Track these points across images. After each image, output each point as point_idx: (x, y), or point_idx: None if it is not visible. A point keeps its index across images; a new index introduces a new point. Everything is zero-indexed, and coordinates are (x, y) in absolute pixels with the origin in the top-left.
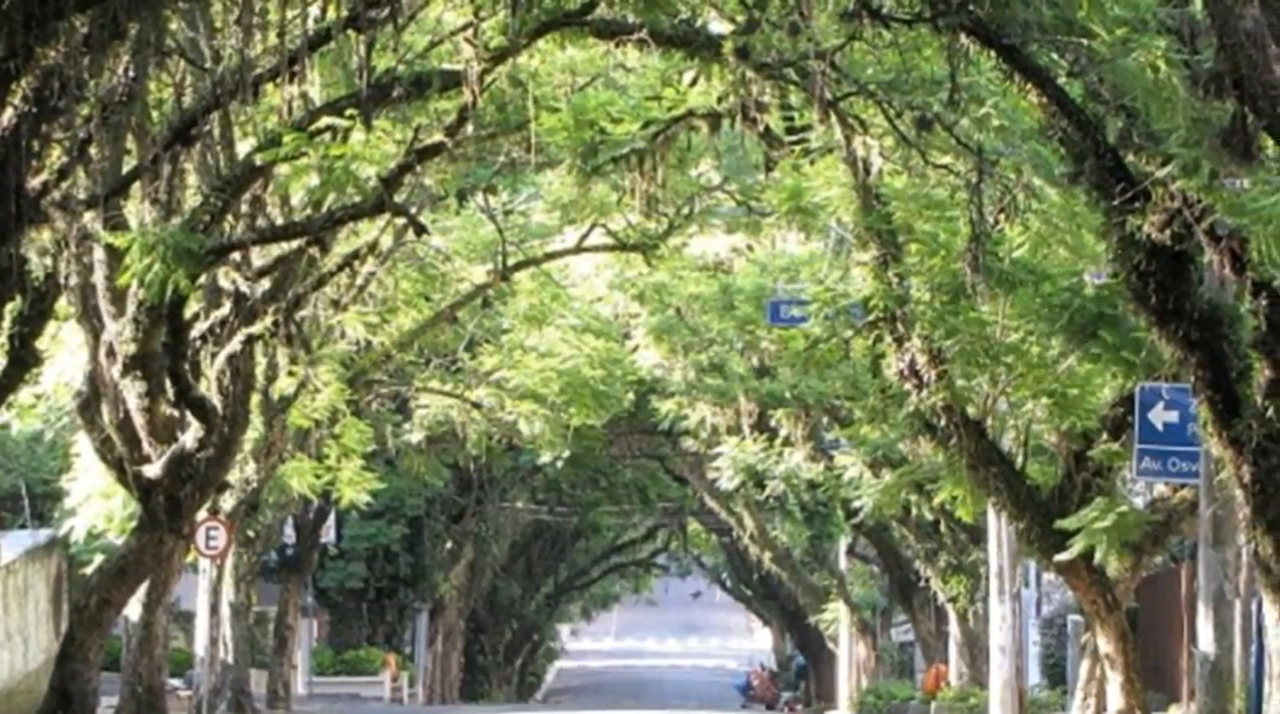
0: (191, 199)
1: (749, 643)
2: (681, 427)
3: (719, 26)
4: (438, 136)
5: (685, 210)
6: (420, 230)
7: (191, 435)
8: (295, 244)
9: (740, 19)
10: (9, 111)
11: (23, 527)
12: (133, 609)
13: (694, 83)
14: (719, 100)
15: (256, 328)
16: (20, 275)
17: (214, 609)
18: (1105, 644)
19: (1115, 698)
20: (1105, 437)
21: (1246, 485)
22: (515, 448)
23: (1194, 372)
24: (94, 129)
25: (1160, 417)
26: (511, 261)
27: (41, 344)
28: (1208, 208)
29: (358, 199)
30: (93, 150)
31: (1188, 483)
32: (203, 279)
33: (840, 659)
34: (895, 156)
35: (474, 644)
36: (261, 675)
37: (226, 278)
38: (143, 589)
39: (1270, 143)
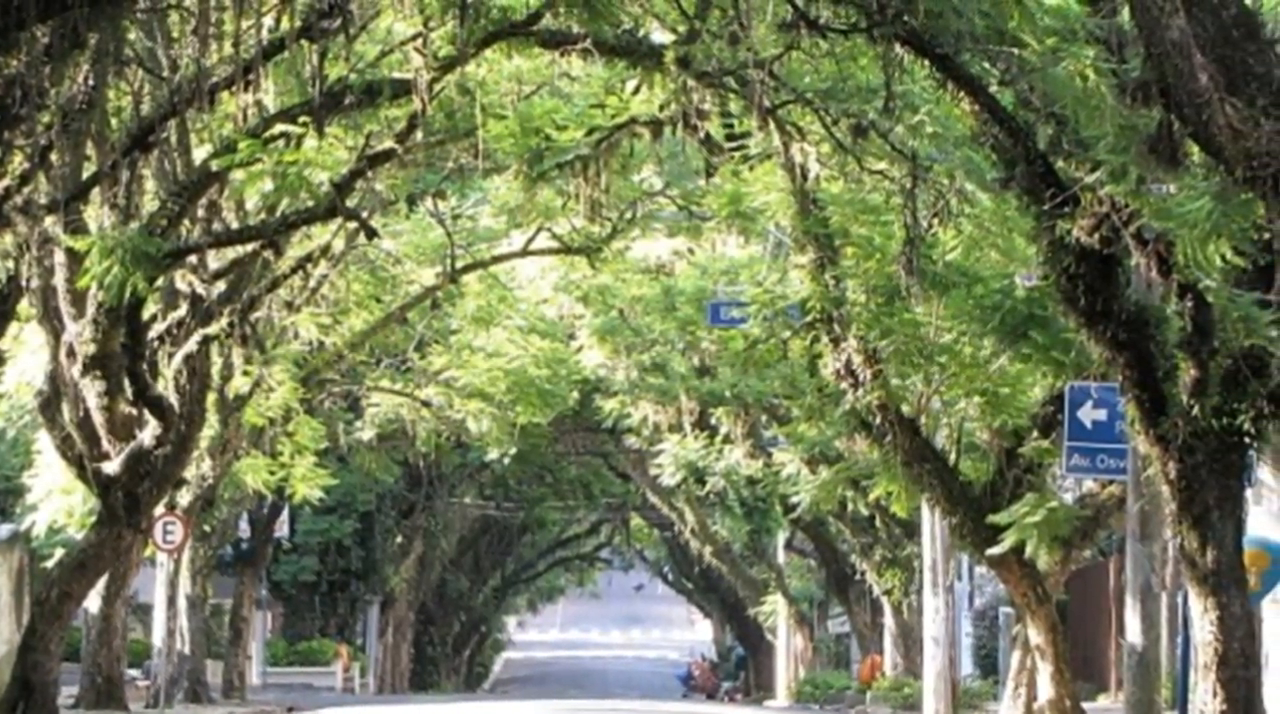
0: (149, 204)
1: (690, 634)
2: (624, 424)
3: (661, 36)
4: (388, 143)
5: (628, 215)
6: (371, 234)
7: (149, 433)
8: (250, 247)
9: (681, 29)
10: None
11: None
12: (92, 602)
13: (636, 91)
14: (661, 108)
15: (212, 329)
16: None
17: (171, 602)
18: (1036, 635)
19: (1046, 688)
20: (1036, 434)
21: (1172, 481)
22: (463, 445)
23: (1122, 371)
24: (55, 136)
25: (1089, 415)
26: (460, 264)
27: (3, 345)
28: (1135, 212)
29: (311, 204)
30: (53, 156)
31: (1116, 479)
32: (160, 281)
33: (779, 650)
34: (832, 162)
35: (423, 636)
36: (217, 666)
37: (183, 280)
38: (102, 582)
39: (1195, 149)
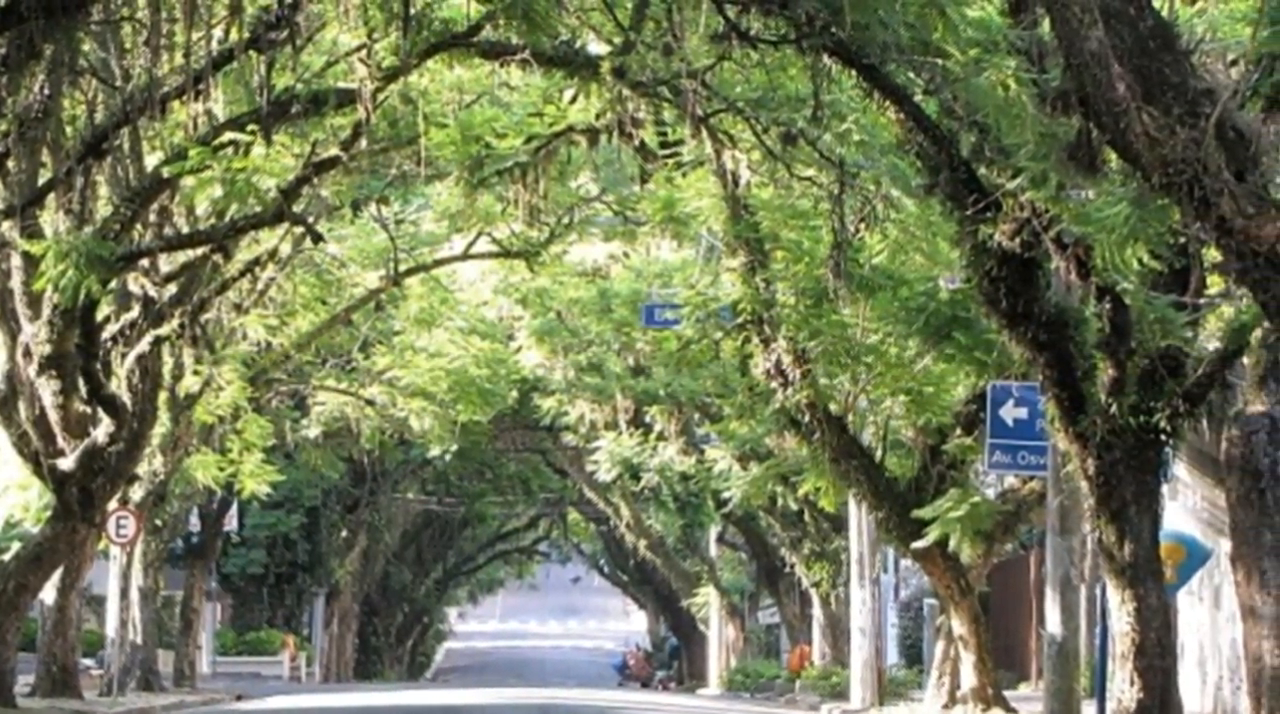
0: (103, 209)
1: (625, 625)
2: (562, 422)
3: (597, 47)
4: (334, 150)
5: (565, 219)
6: (317, 238)
7: (103, 431)
8: (200, 251)
9: (617, 40)
10: None
11: None
12: (48, 593)
13: (574, 100)
14: (597, 116)
15: (164, 330)
16: None
17: (124, 593)
18: (959, 626)
19: (969, 677)
20: (959, 432)
21: (1091, 477)
22: (406, 442)
23: (1042, 371)
24: (11, 143)
25: (1010, 413)
26: (403, 268)
27: None
28: (1055, 217)
29: (259, 209)
30: (10, 163)
31: (1036, 475)
32: (113, 284)
33: (711, 640)
34: (762, 169)
35: (368, 626)
36: (169, 655)
37: (136, 283)
38: (57, 575)
39: (1113, 156)
